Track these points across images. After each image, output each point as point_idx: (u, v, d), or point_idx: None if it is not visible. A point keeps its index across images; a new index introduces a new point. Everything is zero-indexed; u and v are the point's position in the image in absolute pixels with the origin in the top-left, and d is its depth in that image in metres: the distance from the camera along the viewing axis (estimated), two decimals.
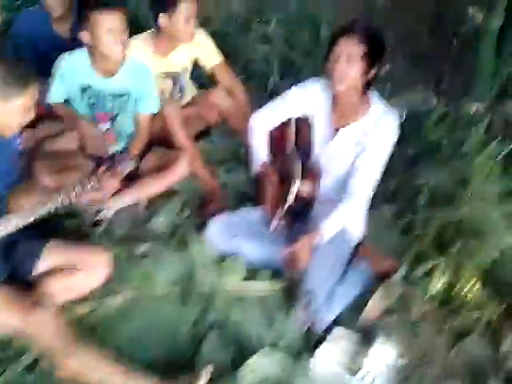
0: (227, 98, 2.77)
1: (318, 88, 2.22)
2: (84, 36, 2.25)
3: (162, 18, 2.43)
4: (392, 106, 2.20)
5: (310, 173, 2.22)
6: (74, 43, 2.53)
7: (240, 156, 2.72)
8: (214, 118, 2.81)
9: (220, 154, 2.79)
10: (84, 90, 2.38)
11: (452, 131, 2.95)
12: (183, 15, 2.42)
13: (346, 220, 2.13)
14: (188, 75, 2.79)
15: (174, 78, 2.70)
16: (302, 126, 2.29)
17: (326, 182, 2.23)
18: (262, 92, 3.23)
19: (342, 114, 2.16)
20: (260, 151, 2.32)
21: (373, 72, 2.06)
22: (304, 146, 2.29)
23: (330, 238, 2.07)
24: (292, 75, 3.34)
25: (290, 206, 2.17)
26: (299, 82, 2.30)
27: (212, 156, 2.73)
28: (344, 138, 2.18)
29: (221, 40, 2.85)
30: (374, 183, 2.14)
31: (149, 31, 2.60)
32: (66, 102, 2.45)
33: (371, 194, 2.16)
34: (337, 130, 2.19)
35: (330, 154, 2.21)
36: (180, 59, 2.67)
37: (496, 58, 3.27)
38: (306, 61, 3.45)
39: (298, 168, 2.18)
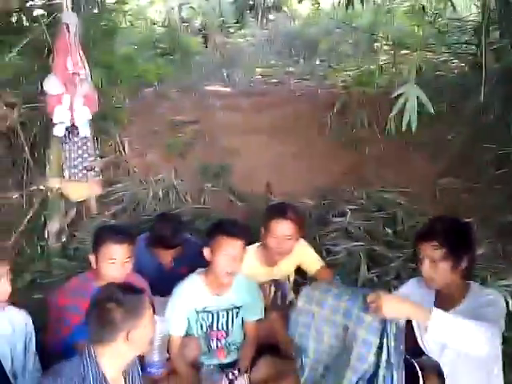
0: None
1: (416, 286, 2.21)
2: (206, 252, 2.41)
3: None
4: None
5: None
6: (173, 272, 2.75)
7: None
8: None
9: None
10: (198, 312, 2.47)
11: None
12: (274, 236, 2.63)
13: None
14: (291, 283, 2.90)
15: (278, 285, 2.80)
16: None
17: None
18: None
19: (442, 304, 2.07)
20: None
21: (463, 265, 2.02)
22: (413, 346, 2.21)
23: None
24: (379, 266, 3.32)
25: None
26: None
27: None
28: None
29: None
30: None
31: (257, 244, 2.77)
32: None
33: None
34: None
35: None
36: (284, 268, 2.80)
37: None
38: (393, 251, 3.41)
39: None
